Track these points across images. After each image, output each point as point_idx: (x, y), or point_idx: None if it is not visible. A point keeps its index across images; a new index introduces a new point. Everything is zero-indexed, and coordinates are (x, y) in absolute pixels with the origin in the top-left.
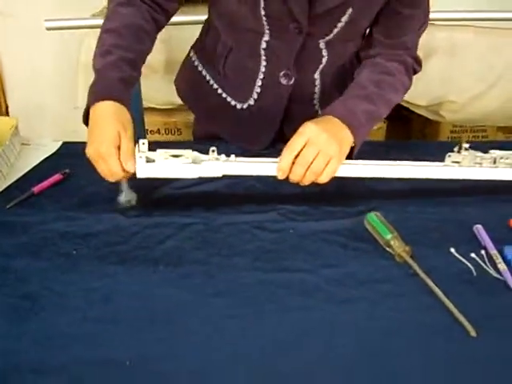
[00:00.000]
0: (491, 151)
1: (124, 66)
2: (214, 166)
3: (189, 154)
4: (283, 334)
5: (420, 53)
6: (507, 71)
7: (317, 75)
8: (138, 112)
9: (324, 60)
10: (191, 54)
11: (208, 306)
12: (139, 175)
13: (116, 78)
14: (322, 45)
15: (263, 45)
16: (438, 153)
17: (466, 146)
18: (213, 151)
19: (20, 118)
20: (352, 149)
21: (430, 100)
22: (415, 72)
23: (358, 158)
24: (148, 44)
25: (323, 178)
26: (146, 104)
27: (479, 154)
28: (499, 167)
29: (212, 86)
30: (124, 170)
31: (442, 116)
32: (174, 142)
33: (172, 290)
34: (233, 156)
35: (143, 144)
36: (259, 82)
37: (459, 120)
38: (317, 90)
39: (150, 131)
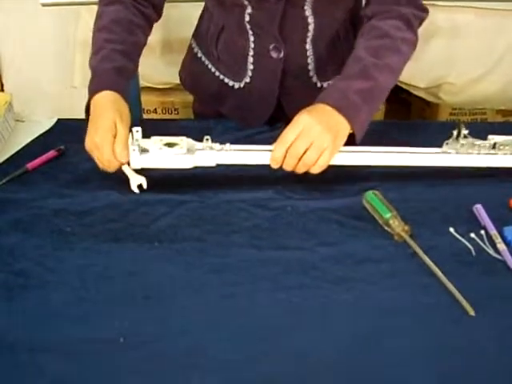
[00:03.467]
0: (490, 137)
1: (116, 56)
2: (208, 155)
3: (183, 142)
4: (278, 313)
5: (420, 34)
6: (508, 53)
7: (308, 46)
8: (134, 91)
9: (311, 28)
10: (191, 41)
11: (203, 284)
12: (133, 166)
13: (109, 68)
14: (307, 12)
15: (247, 18)
16: (438, 134)
17: (465, 132)
18: (207, 140)
19: (16, 97)
20: (352, 135)
21: (429, 82)
22: (422, 21)
23: None
24: (140, 36)
25: (315, 169)
26: (142, 83)
27: (478, 141)
28: (498, 154)
29: (210, 69)
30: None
31: (441, 98)
32: (173, 120)
33: (167, 267)
34: (227, 144)
35: (137, 132)
36: (251, 59)
37: (458, 102)
38: (310, 60)
39: (147, 111)
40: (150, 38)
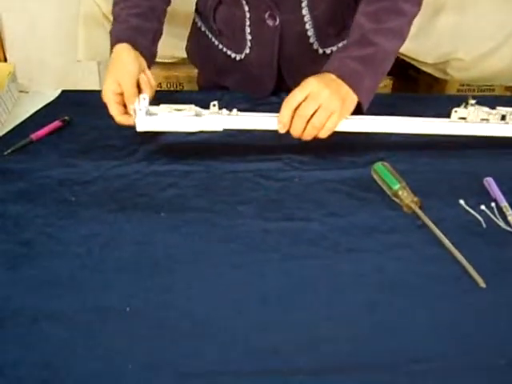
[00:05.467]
0: (498, 108)
1: (130, 18)
2: (215, 119)
3: (191, 108)
4: (287, 283)
5: (428, 8)
6: None
7: (305, 11)
8: None
9: None
10: (194, 15)
11: (211, 254)
12: (139, 128)
13: (124, 28)
14: None
15: None
16: (446, 107)
17: (473, 101)
18: (214, 105)
19: (20, 71)
20: (360, 105)
21: (437, 57)
22: None
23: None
24: (156, 1)
25: (323, 133)
26: None
27: (486, 109)
28: (509, 123)
29: (214, 42)
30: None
31: (449, 74)
32: (177, 92)
33: (174, 237)
34: (234, 110)
35: (144, 99)
36: (248, 30)
37: (467, 79)
38: (308, 26)
39: None
40: None
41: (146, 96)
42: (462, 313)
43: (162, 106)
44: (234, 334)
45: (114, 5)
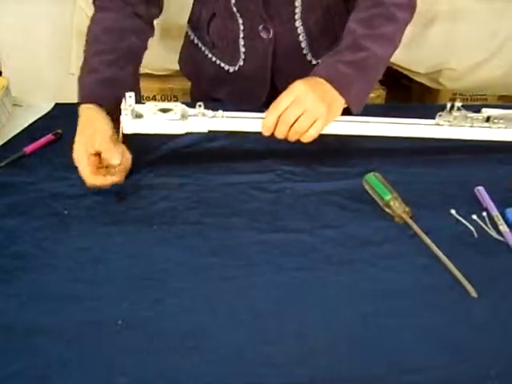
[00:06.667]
0: (483, 110)
1: (103, 67)
2: (201, 121)
3: (177, 108)
4: (280, 295)
5: (420, 19)
6: (510, 38)
7: (298, 23)
8: None
9: (298, 3)
10: (187, 28)
11: (203, 266)
12: (125, 131)
13: (92, 81)
14: None
15: (233, 0)
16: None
17: (459, 104)
18: (199, 106)
19: (14, 84)
20: (347, 109)
21: (429, 67)
22: None
23: None
24: (134, 39)
25: (305, 138)
26: (142, 70)
27: (471, 114)
28: (492, 127)
29: (207, 55)
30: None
31: (441, 84)
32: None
33: (166, 249)
34: (220, 111)
35: (130, 97)
36: (242, 42)
37: (459, 88)
38: (302, 38)
39: (146, 97)
40: None
41: (132, 94)
42: (453, 323)
43: (147, 103)
44: (227, 347)
45: (86, 45)
